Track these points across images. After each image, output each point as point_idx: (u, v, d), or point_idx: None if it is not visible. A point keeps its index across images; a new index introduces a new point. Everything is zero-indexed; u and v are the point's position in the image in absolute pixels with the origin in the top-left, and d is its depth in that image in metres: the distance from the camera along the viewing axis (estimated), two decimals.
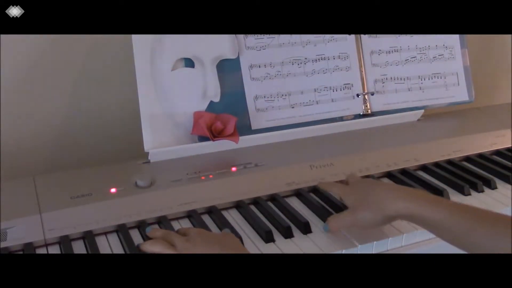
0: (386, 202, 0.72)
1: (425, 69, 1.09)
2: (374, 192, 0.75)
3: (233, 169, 0.89)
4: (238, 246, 0.70)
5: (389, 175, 0.95)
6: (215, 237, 0.71)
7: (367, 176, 0.93)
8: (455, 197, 0.88)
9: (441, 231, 0.68)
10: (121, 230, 0.77)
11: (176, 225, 0.80)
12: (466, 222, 0.66)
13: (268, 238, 0.76)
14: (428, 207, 0.69)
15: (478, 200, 0.88)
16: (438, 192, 0.88)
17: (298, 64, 0.99)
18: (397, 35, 1.07)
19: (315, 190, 0.89)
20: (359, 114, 1.03)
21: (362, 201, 0.75)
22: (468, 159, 1.02)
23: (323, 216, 0.80)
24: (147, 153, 0.90)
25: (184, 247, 0.68)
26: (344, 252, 0.73)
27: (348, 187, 0.82)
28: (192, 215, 0.82)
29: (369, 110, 1.04)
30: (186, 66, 0.92)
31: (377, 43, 1.05)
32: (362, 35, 1.04)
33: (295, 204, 0.86)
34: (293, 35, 0.99)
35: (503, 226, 0.63)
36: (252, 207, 0.85)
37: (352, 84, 1.03)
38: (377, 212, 0.73)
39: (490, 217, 0.66)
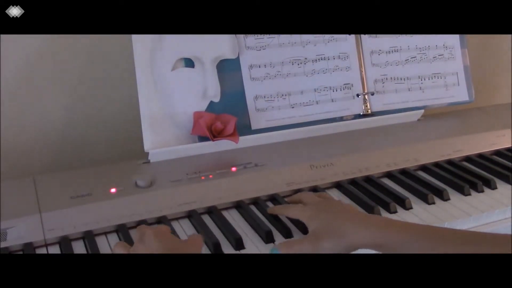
0: (350, 231, 0.69)
1: (425, 69, 1.09)
2: (337, 221, 0.72)
3: (233, 169, 0.89)
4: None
5: (389, 175, 0.95)
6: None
7: (367, 176, 0.93)
8: (455, 197, 0.88)
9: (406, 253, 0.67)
10: (121, 230, 0.77)
11: (176, 225, 0.80)
12: (428, 244, 0.65)
13: (268, 238, 0.76)
14: (391, 234, 0.68)
15: (478, 200, 0.88)
16: (438, 192, 0.88)
17: (298, 64, 0.99)
18: (397, 35, 1.07)
19: (315, 190, 0.89)
20: (359, 114, 1.03)
21: (325, 229, 0.71)
22: (468, 159, 1.02)
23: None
24: (147, 153, 0.90)
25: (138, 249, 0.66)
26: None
27: (309, 210, 0.76)
28: (192, 215, 0.82)
29: (369, 110, 1.04)
30: (186, 66, 0.92)
31: (377, 43, 1.05)
32: (362, 35, 1.04)
33: None
34: (293, 35, 0.99)
35: (464, 244, 0.63)
36: (252, 207, 0.85)
37: (352, 84, 1.03)
38: (340, 241, 0.70)
39: (452, 236, 0.66)
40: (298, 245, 0.71)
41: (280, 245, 0.72)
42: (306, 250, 0.71)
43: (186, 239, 0.72)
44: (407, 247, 0.66)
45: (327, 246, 0.70)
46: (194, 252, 0.68)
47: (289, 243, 0.73)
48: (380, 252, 0.70)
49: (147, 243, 0.65)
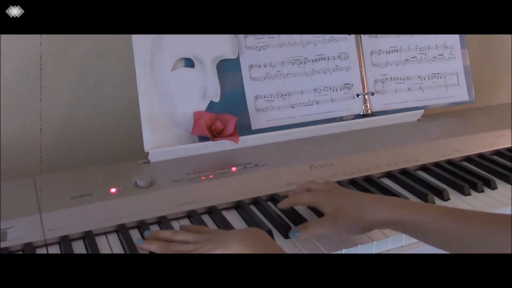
0: (368, 210, 0.69)
1: (425, 69, 1.09)
2: (353, 200, 0.72)
3: (233, 169, 0.89)
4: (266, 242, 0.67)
5: (389, 175, 0.95)
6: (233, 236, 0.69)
7: (367, 176, 0.93)
8: (455, 197, 0.88)
9: (427, 235, 0.67)
10: (121, 230, 0.77)
11: (176, 225, 0.80)
12: (453, 223, 0.64)
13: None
14: (413, 212, 0.67)
15: (478, 200, 0.88)
16: (438, 192, 0.88)
17: (298, 64, 0.99)
18: (397, 35, 1.07)
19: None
20: (359, 114, 1.03)
21: (342, 210, 0.71)
22: (468, 159, 1.02)
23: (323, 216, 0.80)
24: (147, 153, 0.90)
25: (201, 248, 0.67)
26: (344, 252, 0.73)
27: (322, 195, 0.76)
28: (192, 215, 0.82)
29: (369, 110, 1.04)
30: (186, 66, 0.92)
31: (377, 43, 1.05)
32: (362, 35, 1.04)
33: None
34: (293, 35, 0.99)
35: (493, 224, 0.62)
36: (252, 207, 0.85)
37: (352, 84, 1.03)
38: (359, 220, 0.69)
39: (477, 217, 0.65)
40: (317, 227, 0.72)
41: (300, 228, 0.73)
42: (325, 231, 0.72)
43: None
44: (426, 226, 0.66)
45: (346, 226, 0.70)
46: (264, 234, 0.68)
47: (307, 226, 0.73)
48: (398, 231, 0.69)
49: (224, 238, 0.67)
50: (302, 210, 0.83)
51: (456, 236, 0.64)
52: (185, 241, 0.70)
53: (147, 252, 0.72)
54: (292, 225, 0.78)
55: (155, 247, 0.71)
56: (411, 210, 0.68)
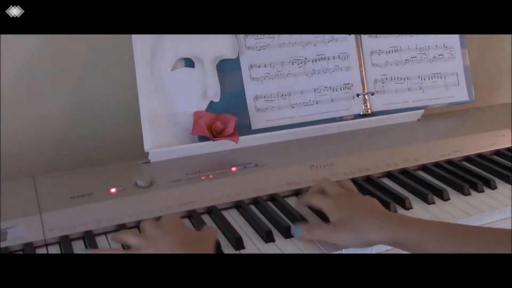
0: (370, 229, 0.70)
1: (425, 69, 1.09)
2: (358, 218, 0.73)
3: (233, 169, 0.89)
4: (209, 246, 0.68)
5: (389, 175, 0.95)
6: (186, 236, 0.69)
7: (367, 176, 0.93)
8: (455, 197, 0.88)
9: (428, 252, 0.67)
10: (121, 230, 0.77)
11: None
12: (454, 242, 0.65)
13: (268, 238, 0.76)
14: (414, 232, 0.68)
15: (478, 200, 0.88)
16: (438, 192, 0.88)
17: (298, 64, 0.99)
18: (397, 35, 1.07)
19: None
20: (359, 114, 1.03)
21: (347, 223, 0.73)
22: (468, 159, 1.02)
23: (323, 216, 0.80)
24: (147, 153, 0.90)
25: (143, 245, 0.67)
26: (344, 252, 0.73)
27: (332, 202, 0.77)
28: (192, 215, 0.82)
29: (369, 110, 1.04)
30: (186, 66, 0.92)
31: (377, 43, 1.05)
32: (362, 35, 1.04)
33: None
34: (293, 35, 0.99)
35: (493, 242, 0.63)
36: (252, 207, 0.85)
37: (352, 84, 1.03)
38: (360, 236, 0.71)
39: (478, 233, 0.66)
40: (320, 232, 0.74)
41: (304, 228, 0.74)
42: (326, 239, 0.73)
43: (200, 230, 0.73)
44: (427, 246, 0.67)
45: (347, 240, 0.72)
46: (209, 242, 0.69)
47: (311, 228, 0.75)
48: (398, 249, 0.70)
49: (168, 228, 0.67)
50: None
51: (456, 253, 0.64)
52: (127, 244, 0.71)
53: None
54: (291, 224, 0.78)
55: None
56: (411, 230, 0.69)
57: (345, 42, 1.03)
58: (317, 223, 0.78)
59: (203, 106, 0.93)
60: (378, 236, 0.70)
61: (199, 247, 0.67)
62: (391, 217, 0.73)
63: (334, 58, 1.02)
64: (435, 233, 0.68)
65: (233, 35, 0.94)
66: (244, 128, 0.95)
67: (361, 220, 0.72)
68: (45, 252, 0.74)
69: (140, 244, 0.67)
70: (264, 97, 0.97)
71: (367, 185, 0.90)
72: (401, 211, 0.84)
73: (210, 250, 0.68)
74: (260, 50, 0.97)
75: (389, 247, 0.75)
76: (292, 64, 0.99)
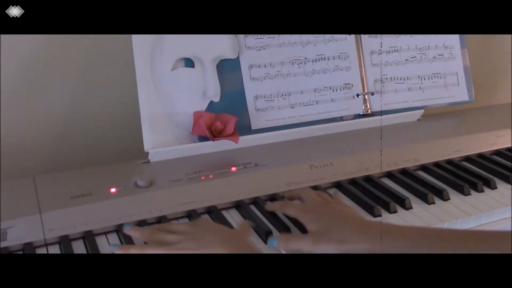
0: (349, 238, 0.70)
1: (425, 69, 1.09)
2: (336, 227, 0.72)
3: (233, 169, 0.89)
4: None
5: (389, 175, 0.95)
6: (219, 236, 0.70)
7: (367, 176, 0.93)
8: (455, 197, 0.88)
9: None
10: (121, 230, 0.77)
11: None
12: (432, 249, 0.65)
13: (268, 238, 0.76)
14: (393, 240, 0.68)
15: (478, 200, 0.87)
16: (438, 192, 0.88)
17: (298, 64, 0.99)
18: (397, 35, 1.07)
19: (314, 189, 0.89)
20: (359, 114, 1.03)
21: (324, 234, 0.72)
22: (468, 159, 1.02)
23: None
24: (147, 153, 0.90)
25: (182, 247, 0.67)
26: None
27: (308, 212, 0.76)
28: (192, 215, 0.82)
29: (369, 110, 1.04)
30: (186, 66, 0.92)
31: (377, 43, 1.05)
32: (362, 35, 1.04)
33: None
34: (293, 35, 0.99)
35: (464, 245, 0.63)
36: (252, 207, 0.85)
37: (352, 84, 1.03)
38: (339, 246, 0.70)
39: (451, 238, 0.66)
40: (297, 243, 0.72)
41: (280, 238, 0.73)
42: (304, 250, 0.72)
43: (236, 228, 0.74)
44: (406, 253, 0.66)
45: (326, 250, 0.70)
46: (245, 237, 0.70)
47: (288, 239, 0.74)
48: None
49: (205, 226, 0.68)
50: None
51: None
52: (171, 231, 0.71)
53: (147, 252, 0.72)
54: (289, 228, 0.78)
55: (139, 233, 0.72)
56: (391, 237, 0.68)
57: (345, 42, 1.03)
58: (295, 234, 0.76)
59: (203, 106, 0.93)
60: (357, 245, 0.69)
61: (237, 244, 0.67)
62: (370, 226, 0.73)
63: (334, 58, 1.02)
64: (414, 239, 0.68)
65: (233, 35, 0.94)
66: (244, 128, 0.95)
67: (340, 231, 0.71)
68: (45, 252, 0.74)
69: (179, 238, 0.68)
70: (264, 97, 0.97)
71: (367, 185, 0.90)
72: (401, 211, 0.84)
73: (245, 246, 0.68)
74: (260, 50, 0.97)
75: None
76: (292, 64, 0.99)
